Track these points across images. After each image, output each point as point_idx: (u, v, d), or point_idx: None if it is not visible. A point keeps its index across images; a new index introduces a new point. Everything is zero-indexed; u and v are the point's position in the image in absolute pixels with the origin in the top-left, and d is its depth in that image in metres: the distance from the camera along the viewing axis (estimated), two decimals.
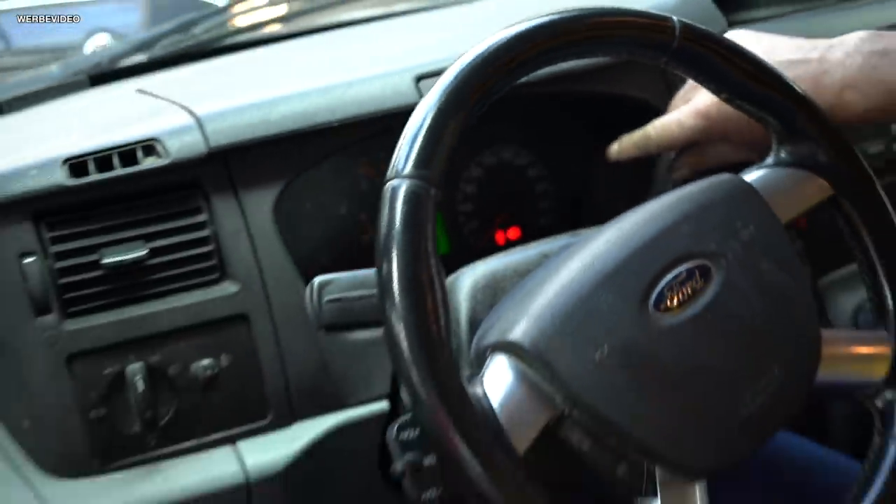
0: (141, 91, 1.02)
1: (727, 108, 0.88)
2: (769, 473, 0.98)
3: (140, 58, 1.25)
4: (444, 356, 0.64)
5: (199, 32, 1.30)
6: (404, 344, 0.64)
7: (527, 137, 1.09)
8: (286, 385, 0.89)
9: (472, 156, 1.03)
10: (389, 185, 0.67)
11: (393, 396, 0.93)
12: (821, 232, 1.04)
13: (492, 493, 0.64)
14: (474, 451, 0.63)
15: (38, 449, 0.83)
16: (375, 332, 0.92)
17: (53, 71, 1.20)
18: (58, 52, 2.87)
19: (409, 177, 0.66)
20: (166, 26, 1.31)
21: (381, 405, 0.92)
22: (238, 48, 1.28)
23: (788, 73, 0.82)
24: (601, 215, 0.82)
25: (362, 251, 0.95)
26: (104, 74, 1.21)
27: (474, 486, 0.64)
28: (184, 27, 1.31)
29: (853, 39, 0.85)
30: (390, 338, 0.66)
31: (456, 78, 0.69)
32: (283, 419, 0.90)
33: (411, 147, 0.67)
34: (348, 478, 0.95)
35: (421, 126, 0.67)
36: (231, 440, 0.88)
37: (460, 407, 0.63)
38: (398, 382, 0.90)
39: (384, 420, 0.93)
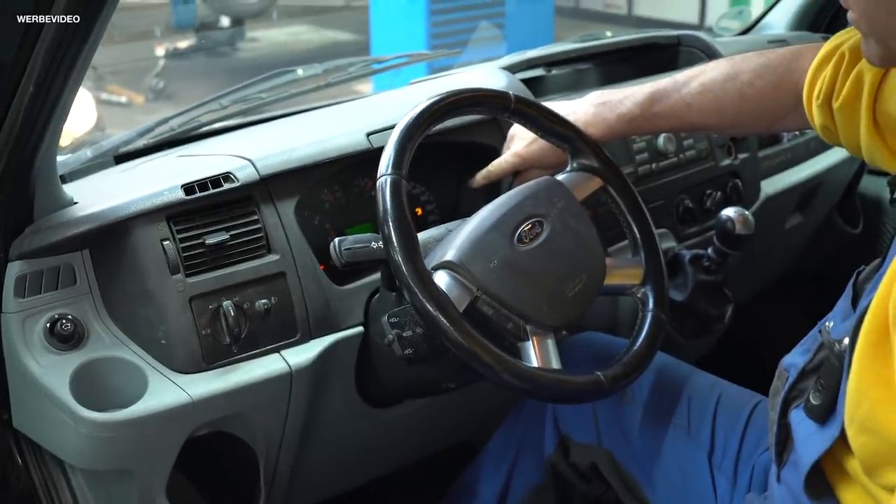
0: (182, 156, 1.55)
1: (531, 149, 1.49)
2: (587, 353, 1.52)
3: (140, 143, 1.75)
4: (422, 267, 1.17)
5: (176, 125, 1.80)
6: (402, 264, 1.16)
7: (418, 175, 1.61)
8: (307, 315, 1.37)
9: None
10: (381, 179, 1.23)
11: (365, 324, 1.43)
12: (601, 223, 1.64)
13: (447, 330, 1.13)
14: (439, 310, 1.14)
15: (170, 357, 1.29)
16: (358, 283, 1.45)
17: (87, 153, 1.68)
18: None
19: (390, 174, 1.22)
20: (152, 123, 1.81)
21: (358, 329, 1.42)
22: (203, 136, 1.78)
23: None
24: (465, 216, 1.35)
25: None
26: (121, 155, 1.69)
27: (438, 328, 1.14)
28: (164, 121, 1.82)
29: (589, 97, 1.47)
30: (393, 262, 1.17)
31: (406, 124, 1.27)
32: (306, 336, 1.37)
33: (390, 159, 1.24)
34: (339, 370, 1.43)
35: (393, 148, 1.24)
36: (278, 349, 1.35)
37: (431, 290, 1.16)
38: (372, 309, 1.44)
39: (360, 338, 1.42)
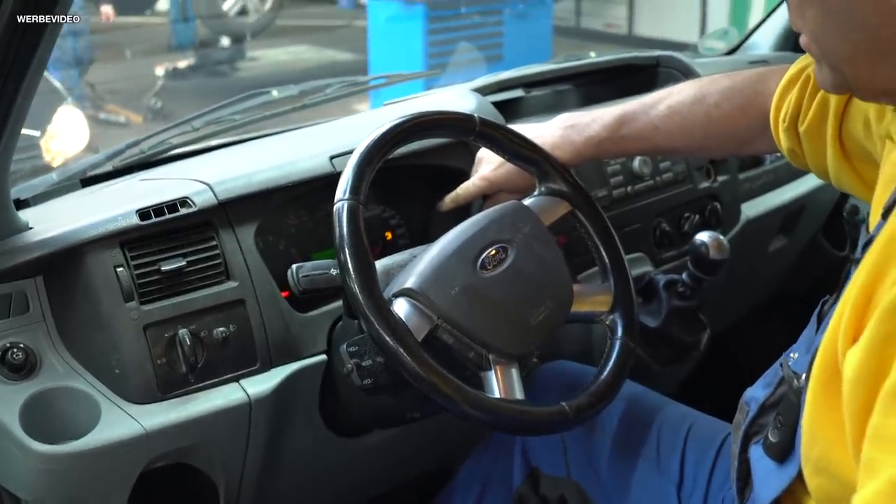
0: (144, 179, 1.52)
1: (498, 173, 1.47)
2: (557, 383, 1.52)
3: (108, 167, 1.72)
4: (378, 295, 1.15)
5: (147, 148, 1.78)
6: (358, 292, 1.13)
7: (388, 199, 1.60)
8: (267, 344, 1.34)
9: None
10: (337, 205, 1.21)
11: (328, 352, 1.40)
12: (573, 248, 1.63)
13: (404, 360, 1.11)
14: (396, 339, 1.12)
15: (124, 386, 1.26)
16: (320, 310, 1.42)
17: (53, 177, 1.66)
18: None
19: (347, 200, 1.20)
20: (122, 146, 1.78)
21: (321, 357, 1.39)
22: (174, 159, 1.76)
23: None
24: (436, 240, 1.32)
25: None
26: (87, 178, 1.67)
27: (394, 357, 1.12)
28: (134, 143, 1.79)
29: (556, 120, 1.45)
30: (349, 290, 1.14)
31: (365, 148, 1.25)
32: (266, 365, 1.34)
33: (347, 183, 1.22)
34: (303, 399, 1.40)
35: (351, 173, 1.22)
36: (236, 379, 1.32)
37: (388, 318, 1.13)
38: (335, 337, 1.42)
39: (323, 366, 1.39)
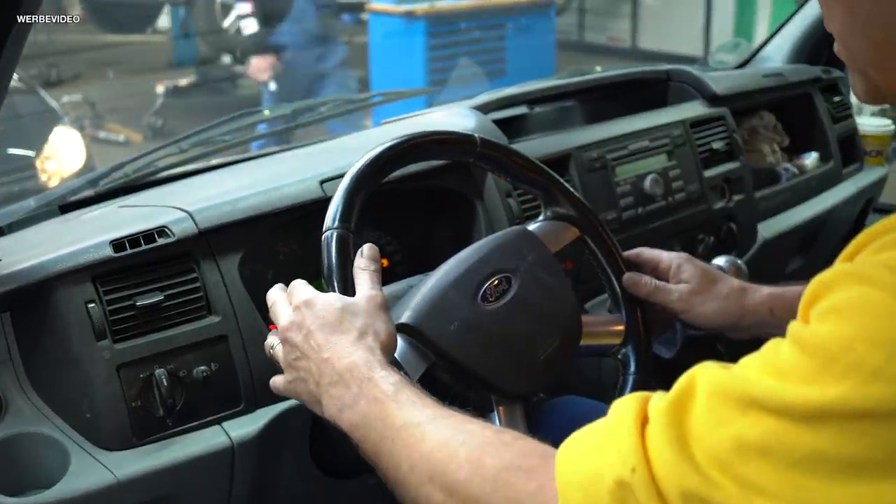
0: (123, 206, 1.43)
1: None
2: (565, 421, 1.42)
3: (89, 192, 1.63)
4: None
5: (131, 171, 1.68)
6: None
7: (384, 223, 1.52)
8: (252, 383, 1.25)
9: None
10: (325, 234, 1.12)
11: None
12: (582, 274, 1.55)
13: None
14: None
15: (96, 432, 1.17)
16: None
17: (31, 203, 1.56)
18: None
19: (336, 228, 1.11)
20: (105, 169, 1.69)
21: None
22: (160, 182, 1.67)
23: None
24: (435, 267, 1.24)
25: None
26: (68, 204, 1.57)
27: None
28: (118, 166, 1.70)
29: None
30: None
31: (356, 172, 1.16)
32: (251, 406, 1.25)
33: (336, 211, 1.12)
34: (292, 441, 1.30)
35: (340, 200, 1.13)
36: (219, 421, 1.23)
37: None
38: None
39: None
